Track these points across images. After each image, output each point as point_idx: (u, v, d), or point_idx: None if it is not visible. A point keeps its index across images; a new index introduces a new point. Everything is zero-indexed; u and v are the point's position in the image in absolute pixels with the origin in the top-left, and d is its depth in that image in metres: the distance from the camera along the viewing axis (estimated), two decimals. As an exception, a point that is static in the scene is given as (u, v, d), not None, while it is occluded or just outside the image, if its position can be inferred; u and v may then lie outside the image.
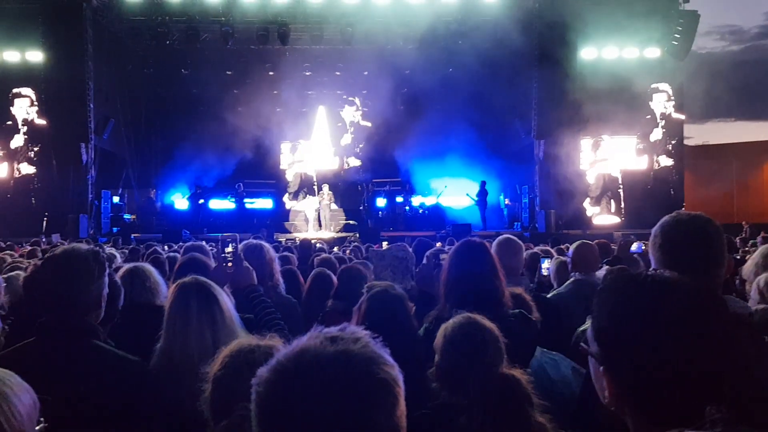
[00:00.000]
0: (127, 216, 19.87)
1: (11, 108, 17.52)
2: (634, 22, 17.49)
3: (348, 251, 9.13)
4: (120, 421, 2.06)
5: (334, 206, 19.85)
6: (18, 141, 17.63)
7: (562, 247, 7.85)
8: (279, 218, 19.92)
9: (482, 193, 19.56)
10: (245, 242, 3.58)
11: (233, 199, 20.22)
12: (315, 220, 19.43)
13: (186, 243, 9.23)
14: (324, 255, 6.53)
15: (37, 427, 1.35)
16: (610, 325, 1.16)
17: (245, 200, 20.46)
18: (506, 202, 21.15)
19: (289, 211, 20.55)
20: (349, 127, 22.82)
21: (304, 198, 20.71)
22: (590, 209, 18.69)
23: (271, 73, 21.30)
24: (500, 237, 3.90)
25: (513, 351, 2.23)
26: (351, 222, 19.60)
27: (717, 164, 23.10)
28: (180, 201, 21.13)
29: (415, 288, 3.42)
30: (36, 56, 17.43)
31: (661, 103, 18.87)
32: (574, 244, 4.48)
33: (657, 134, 18.92)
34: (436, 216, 19.86)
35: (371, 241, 13.15)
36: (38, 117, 17.56)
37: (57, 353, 2.11)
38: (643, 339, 1.11)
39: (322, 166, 22.16)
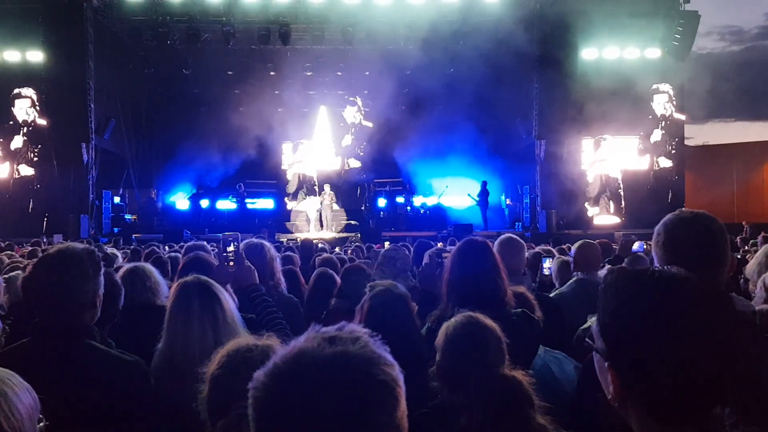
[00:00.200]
0: (128, 216, 19.89)
1: (12, 108, 17.51)
2: (635, 23, 17.55)
3: (350, 251, 9.13)
4: (116, 422, 2.04)
5: (335, 206, 19.86)
6: (18, 141, 17.62)
7: (564, 247, 7.85)
8: (280, 218, 19.90)
9: (483, 193, 19.57)
10: (246, 241, 3.57)
11: (234, 200, 20.22)
12: (316, 220, 19.43)
13: (187, 243, 9.22)
14: (325, 255, 6.52)
15: (39, 425, 1.34)
16: (615, 320, 1.15)
17: (246, 200, 20.47)
18: (507, 202, 21.15)
19: (290, 211, 20.53)
20: (351, 127, 22.79)
21: (304, 198, 20.68)
22: (590, 209, 18.68)
23: (272, 73, 21.29)
24: (502, 236, 3.88)
25: (516, 350, 2.22)
26: (352, 222, 19.60)
27: (717, 165, 23.05)
28: (181, 201, 21.13)
29: (418, 287, 3.41)
30: (37, 56, 17.42)
31: (662, 103, 18.83)
32: (577, 244, 4.49)
33: (657, 135, 18.90)
34: (437, 216, 19.88)
35: (373, 241, 13.15)
36: (39, 117, 17.55)
37: (51, 354, 2.08)
38: (649, 335, 1.10)
39: (323, 166, 22.13)
